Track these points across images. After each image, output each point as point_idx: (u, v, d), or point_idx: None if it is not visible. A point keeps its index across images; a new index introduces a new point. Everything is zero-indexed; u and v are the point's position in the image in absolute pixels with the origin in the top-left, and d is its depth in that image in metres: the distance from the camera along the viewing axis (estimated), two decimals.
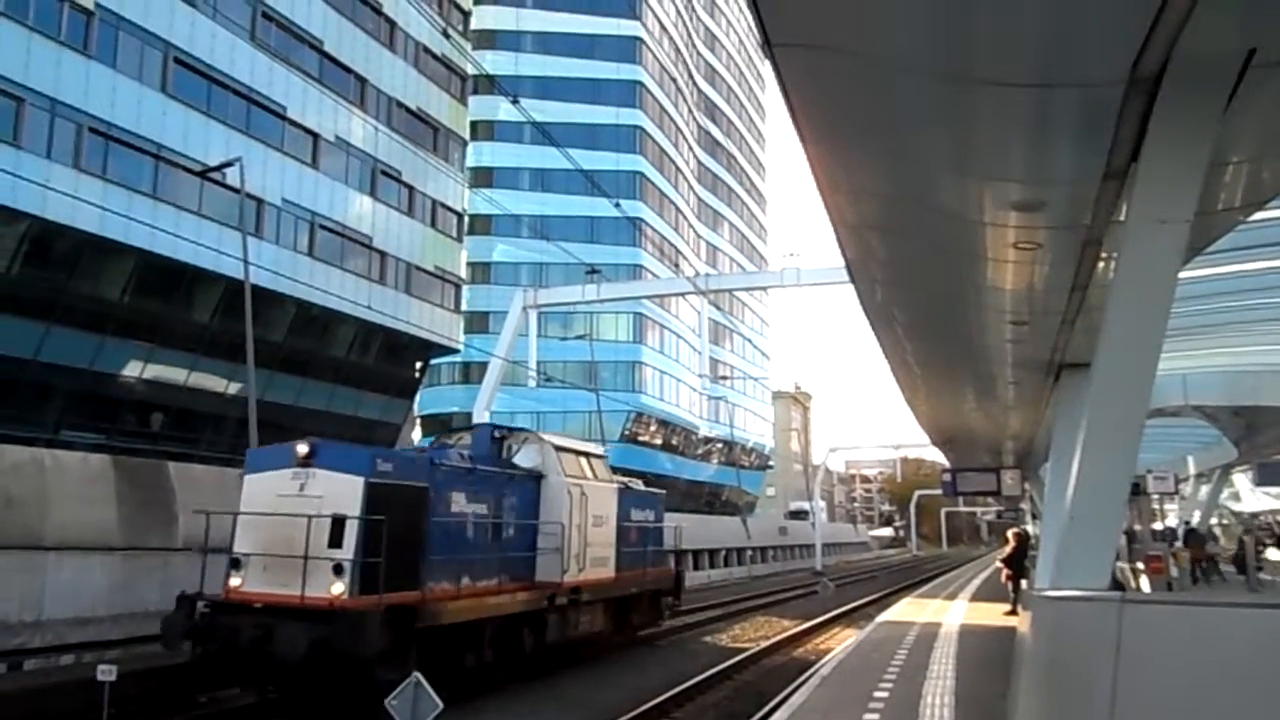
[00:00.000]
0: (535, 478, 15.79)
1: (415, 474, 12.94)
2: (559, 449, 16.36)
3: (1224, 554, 27.18)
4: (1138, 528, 22.00)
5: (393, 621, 11.42)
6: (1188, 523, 31.59)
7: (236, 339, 20.33)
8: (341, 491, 11.73)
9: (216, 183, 27.00)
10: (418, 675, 8.43)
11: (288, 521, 11.50)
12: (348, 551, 11.46)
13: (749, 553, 59.77)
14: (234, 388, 30.23)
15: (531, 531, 15.35)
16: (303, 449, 12.10)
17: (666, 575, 20.88)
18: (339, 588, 11.32)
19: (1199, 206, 5.65)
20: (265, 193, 31.20)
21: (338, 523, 11.56)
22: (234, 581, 11.92)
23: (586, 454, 17.66)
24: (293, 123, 32.87)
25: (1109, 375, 6.04)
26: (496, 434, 16.45)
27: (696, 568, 50.19)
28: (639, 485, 20.71)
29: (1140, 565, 18.61)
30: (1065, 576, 6.13)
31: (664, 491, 22.26)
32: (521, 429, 17.93)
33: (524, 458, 16.02)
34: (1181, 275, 6.43)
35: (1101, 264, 8.72)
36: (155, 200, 27.32)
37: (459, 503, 13.60)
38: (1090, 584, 5.87)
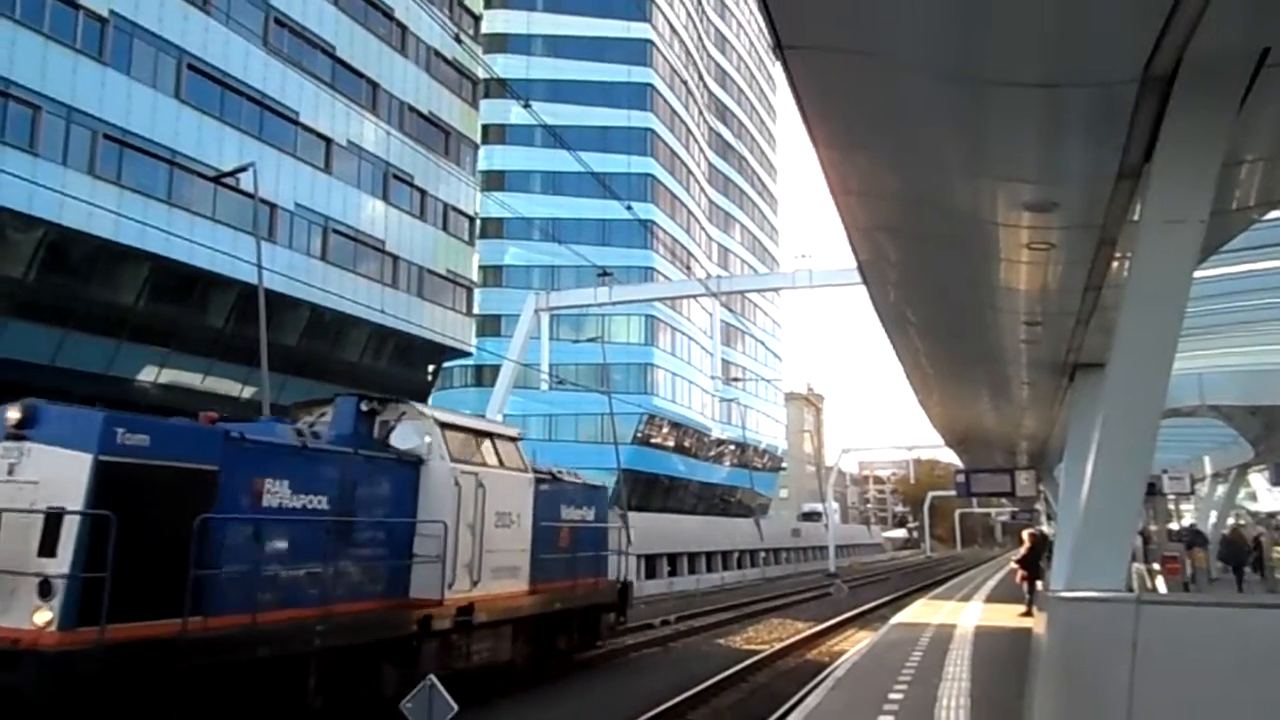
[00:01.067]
0: (411, 463, 12.33)
1: (191, 451, 9.48)
2: (446, 426, 12.82)
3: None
4: (1153, 528, 21.89)
5: (127, 665, 8.21)
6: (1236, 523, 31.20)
7: (251, 343, 20.43)
8: (62, 475, 8.49)
9: (230, 188, 27.15)
10: (432, 678, 8.43)
11: None
12: (62, 563, 8.19)
13: (762, 554, 59.72)
14: (249, 391, 30.37)
15: (402, 534, 11.99)
16: (14, 414, 8.78)
17: (607, 587, 17.32)
18: (45, 616, 8.12)
19: (1214, 206, 5.63)
20: (278, 197, 31.35)
21: (52, 521, 8.34)
22: None
23: (489, 434, 14.05)
24: (305, 128, 33.04)
25: (1124, 375, 6.02)
26: (364, 406, 12.67)
27: (709, 570, 50.19)
28: (573, 477, 17.12)
29: (1156, 566, 18.53)
30: (1081, 577, 6.11)
31: (605, 485, 18.80)
32: (399, 400, 13.45)
33: (402, 437, 12.59)
34: (1197, 274, 6.40)
35: (1116, 264, 8.69)
36: (170, 206, 27.50)
37: (276, 494, 10.18)
38: (1106, 585, 5.85)
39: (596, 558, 16.96)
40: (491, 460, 13.60)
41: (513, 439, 14.65)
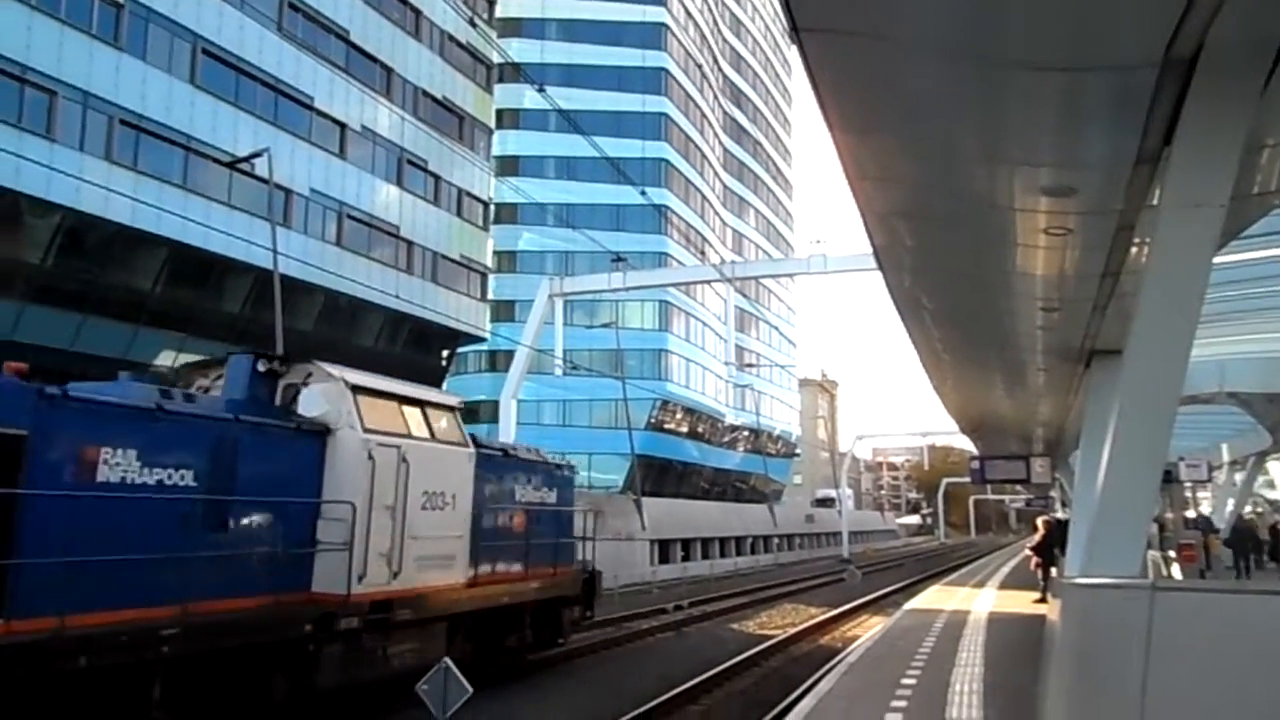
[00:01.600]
0: (314, 434, 10.58)
1: None
2: (361, 390, 10.94)
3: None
4: (1170, 516, 21.79)
5: None
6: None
7: (266, 328, 20.51)
8: None
9: (245, 173, 27.21)
10: (448, 661, 8.48)
11: None
12: None
13: (776, 540, 59.79)
14: None
15: (299, 517, 10.20)
16: None
17: (570, 578, 15.35)
18: None
19: (1234, 190, 5.57)
20: (293, 183, 31.43)
21: None
22: None
23: (419, 402, 12.08)
24: (320, 113, 33.08)
25: (1141, 362, 5.98)
26: (262, 366, 11.03)
27: (723, 555, 50.30)
28: (533, 454, 15.40)
29: (1172, 553, 18.46)
30: (1096, 564, 6.10)
31: (572, 464, 16.97)
32: (304, 361, 11.46)
33: (308, 403, 10.92)
34: (1216, 260, 6.35)
35: (1134, 249, 8.62)
36: (186, 191, 27.60)
37: (118, 467, 8.40)
38: (1121, 572, 5.83)
39: (557, 545, 14.93)
40: (420, 431, 11.66)
41: (449, 408, 12.72)
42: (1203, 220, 5.52)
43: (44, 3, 24.23)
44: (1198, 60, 5.18)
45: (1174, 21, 4.83)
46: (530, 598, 14.03)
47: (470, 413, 63.66)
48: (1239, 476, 35.80)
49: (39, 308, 24.88)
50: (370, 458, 10.60)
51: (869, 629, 19.60)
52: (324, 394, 10.90)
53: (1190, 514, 27.39)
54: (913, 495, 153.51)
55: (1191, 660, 4.98)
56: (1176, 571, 17.97)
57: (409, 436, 11.39)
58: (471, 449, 12.61)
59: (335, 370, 11.04)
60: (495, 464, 13.51)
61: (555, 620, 14.99)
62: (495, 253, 49.95)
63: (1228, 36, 4.98)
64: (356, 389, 10.88)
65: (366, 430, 10.68)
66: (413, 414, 11.76)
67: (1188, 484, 23.26)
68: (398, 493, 10.93)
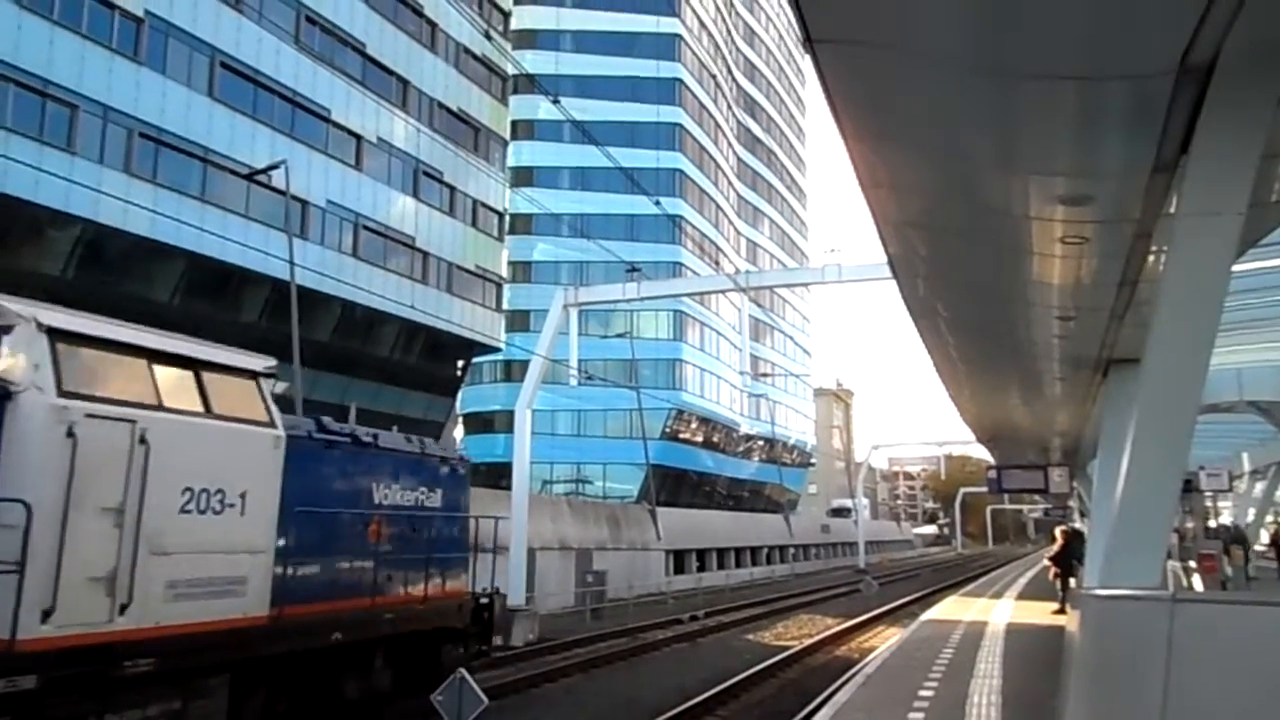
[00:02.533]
0: None
1: None
2: (65, 338, 7.50)
3: None
4: (1190, 525, 21.57)
5: None
6: None
7: (283, 339, 20.61)
8: None
9: (262, 185, 27.43)
10: (463, 671, 8.49)
11: None
12: None
13: (791, 550, 59.61)
14: (280, 387, 30.48)
15: None
16: None
17: (450, 605, 12.15)
18: None
19: (1252, 198, 5.53)
20: (310, 194, 31.64)
21: None
22: None
23: (183, 360, 8.56)
24: (336, 125, 33.32)
25: (1160, 371, 5.94)
26: None
27: (739, 565, 50.15)
28: (408, 442, 12.31)
29: (1192, 564, 18.27)
30: (1115, 575, 6.05)
31: (463, 457, 13.74)
32: None
33: None
34: (1235, 268, 6.30)
35: (1151, 258, 8.57)
36: (203, 203, 27.82)
37: None
38: (1141, 583, 5.78)
39: (433, 562, 11.67)
40: (181, 402, 8.28)
41: (248, 374, 9.32)
42: (1220, 228, 5.48)
43: (66, 17, 24.54)
44: (1214, 68, 5.15)
45: (1190, 29, 4.81)
46: (382, 632, 10.86)
47: (486, 423, 63.84)
48: (1260, 486, 35.45)
49: None
50: (70, 435, 7.23)
51: (886, 640, 19.48)
52: (9, 343, 7.41)
53: (1211, 523, 27.14)
54: (929, 505, 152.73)
55: (1213, 673, 4.92)
56: (1198, 583, 17.78)
57: (157, 408, 7.99)
58: (279, 431, 9.23)
59: (22, 307, 7.46)
60: (329, 454, 10.42)
61: (432, 661, 11.72)
62: (510, 263, 50.15)
63: (1244, 43, 4.95)
64: (56, 334, 7.41)
65: (65, 394, 7.30)
66: (170, 378, 8.32)
67: (1208, 493, 23.00)
68: (129, 488, 7.61)
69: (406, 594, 11.26)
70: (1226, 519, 33.23)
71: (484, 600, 12.96)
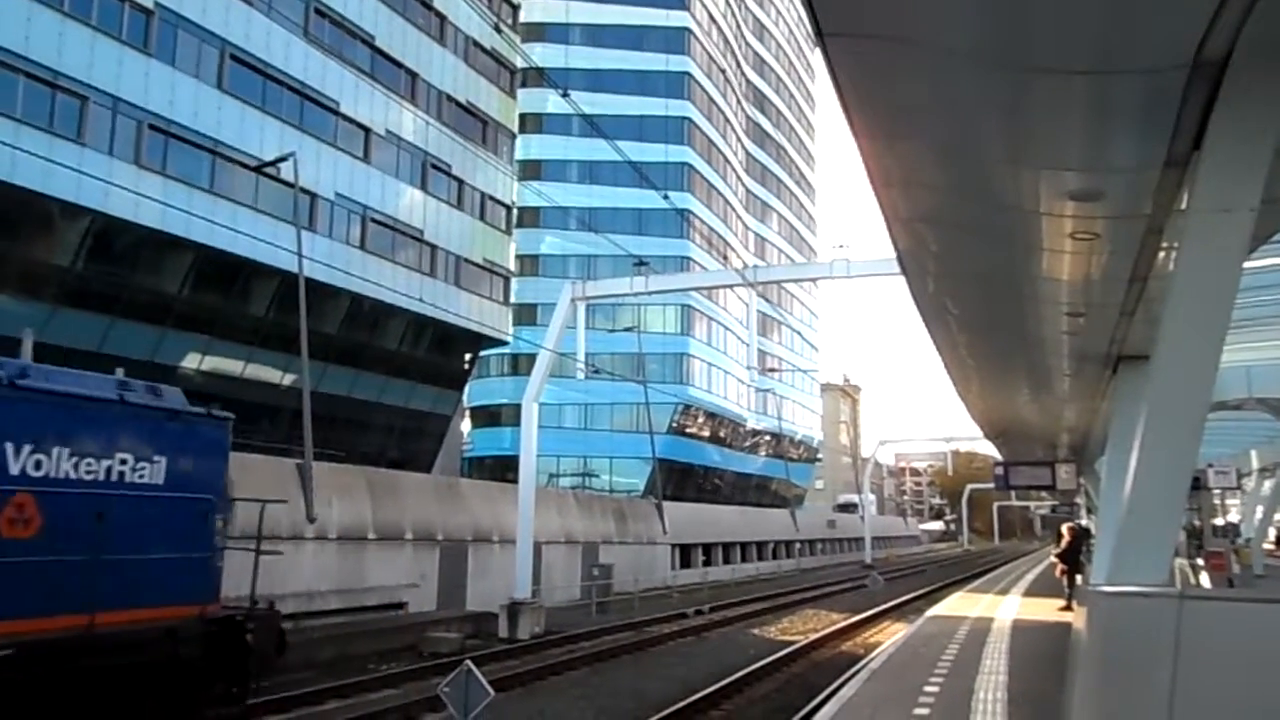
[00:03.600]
0: None
1: None
2: None
3: None
4: (1198, 523, 21.54)
5: None
6: None
7: (291, 331, 20.70)
8: None
9: (271, 177, 27.46)
10: (469, 663, 8.53)
11: None
12: None
13: (797, 545, 59.63)
14: (289, 379, 30.77)
15: None
16: None
17: (155, 624, 8.62)
18: None
19: (1265, 194, 5.49)
20: (318, 187, 31.66)
21: None
22: None
23: None
24: (345, 117, 33.35)
25: (1169, 368, 5.91)
26: None
27: (744, 560, 50.17)
28: (89, 382, 8.87)
29: (1200, 561, 18.24)
30: (1122, 572, 6.02)
31: (211, 413, 9.96)
32: None
33: None
34: (1247, 265, 6.26)
35: (1162, 254, 8.52)
36: (213, 195, 27.88)
37: None
38: (1148, 580, 5.76)
39: (146, 565, 8.55)
40: None
41: None
42: (1232, 225, 5.44)
43: (76, 9, 24.58)
44: (1228, 62, 5.12)
45: (1205, 22, 4.77)
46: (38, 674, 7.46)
47: (493, 416, 64.19)
48: (1268, 483, 35.34)
49: (69, 310, 25.20)
50: None
51: (892, 635, 19.49)
52: None
53: (1218, 521, 27.08)
54: (936, 501, 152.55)
55: (1221, 670, 4.91)
56: (1205, 580, 17.75)
57: None
58: None
59: None
60: None
61: (151, 711, 8.43)
62: (518, 256, 50.16)
63: (1261, 36, 4.91)
64: None
65: None
66: None
67: (1216, 491, 22.96)
68: None
69: (70, 617, 7.63)
70: (1234, 517, 33.19)
71: (238, 619, 9.23)
